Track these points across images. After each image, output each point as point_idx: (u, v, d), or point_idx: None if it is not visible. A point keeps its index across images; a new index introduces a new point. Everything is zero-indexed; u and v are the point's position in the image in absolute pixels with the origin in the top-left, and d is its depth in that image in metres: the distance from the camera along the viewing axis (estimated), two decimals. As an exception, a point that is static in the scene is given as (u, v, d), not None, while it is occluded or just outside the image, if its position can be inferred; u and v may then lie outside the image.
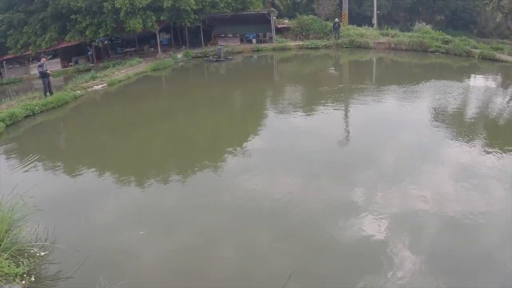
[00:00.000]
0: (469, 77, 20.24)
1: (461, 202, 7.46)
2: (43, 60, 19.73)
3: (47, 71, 19.39)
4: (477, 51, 24.47)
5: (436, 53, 25.83)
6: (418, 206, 7.34)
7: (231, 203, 7.96)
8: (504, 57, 23.67)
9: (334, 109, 14.14)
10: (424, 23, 34.74)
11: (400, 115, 13.12)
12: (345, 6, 37.42)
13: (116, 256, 6.49)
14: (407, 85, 17.36)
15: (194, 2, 30.17)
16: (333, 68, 25.61)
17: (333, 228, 6.81)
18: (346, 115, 13.59)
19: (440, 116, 12.98)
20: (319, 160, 9.66)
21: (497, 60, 23.33)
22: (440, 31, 30.82)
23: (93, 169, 10.33)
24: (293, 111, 14.46)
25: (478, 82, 19.09)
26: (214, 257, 6.35)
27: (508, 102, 15.09)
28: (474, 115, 13.28)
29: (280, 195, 8.00)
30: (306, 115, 13.77)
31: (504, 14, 36.76)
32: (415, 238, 6.43)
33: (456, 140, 10.75)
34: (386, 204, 7.40)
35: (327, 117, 13.43)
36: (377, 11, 49.46)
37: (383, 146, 10.35)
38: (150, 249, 6.67)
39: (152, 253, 6.57)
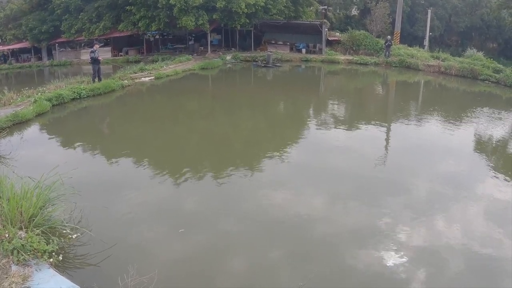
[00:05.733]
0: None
1: (490, 244, 7.02)
2: (96, 46, 20.22)
3: (99, 57, 19.82)
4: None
5: (486, 81, 24.66)
6: (443, 241, 6.97)
7: (254, 213, 7.76)
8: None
9: (375, 129, 13.76)
10: (475, 50, 33.68)
11: (441, 142, 12.57)
12: (398, 25, 36.78)
13: (141, 251, 6.45)
14: (453, 111, 16.86)
15: (244, 5, 30.36)
16: (380, 87, 25.18)
17: (351, 252, 6.54)
18: (386, 136, 13.21)
19: (481, 146, 12.51)
20: (351, 181, 9.34)
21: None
22: (492, 59, 29.87)
23: (130, 159, 10.42)
24: (333, 125, 14.20)
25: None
26: (226, 264, 6.25)
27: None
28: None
29: (303, 212, 7.76)
30: (345, 131, 13.49)
31: None
32: (434, 274, 6.06)
33: (496, 174, 10.17)
34: (410, 235, 7.07)
35: (367, 136, 13.08)
36: (429, 32, 48.64)
37: (418, 173, 9.84)
38: (168, 247, 6.67)
39: (170, 251, 6.56)
